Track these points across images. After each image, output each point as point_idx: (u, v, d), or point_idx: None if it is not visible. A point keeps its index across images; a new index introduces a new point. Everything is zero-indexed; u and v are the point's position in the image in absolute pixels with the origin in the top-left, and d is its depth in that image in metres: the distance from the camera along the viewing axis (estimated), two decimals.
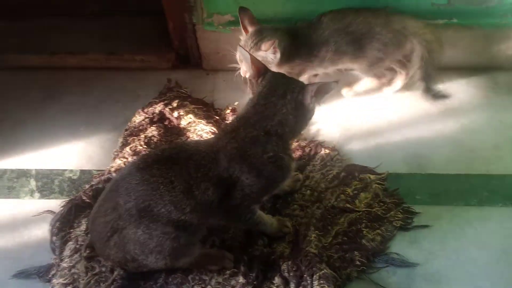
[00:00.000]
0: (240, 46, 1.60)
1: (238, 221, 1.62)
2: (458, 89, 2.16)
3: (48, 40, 2.30)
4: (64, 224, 1.81)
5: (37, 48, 2.27)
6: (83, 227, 1.79)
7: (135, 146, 1.96)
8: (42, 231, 1.82)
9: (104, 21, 2.31)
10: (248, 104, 1.56)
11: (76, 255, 1.73)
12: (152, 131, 2.01)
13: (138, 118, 2.06)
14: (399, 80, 2.11)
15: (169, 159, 1.53)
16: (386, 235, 1.75)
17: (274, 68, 1.89)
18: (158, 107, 2.07)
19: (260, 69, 1.57)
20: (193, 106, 2.10)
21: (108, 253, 1.57)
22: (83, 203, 1.84)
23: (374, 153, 1.97)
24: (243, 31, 1.91)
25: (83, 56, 2.25)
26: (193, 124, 2.03)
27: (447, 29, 2.05)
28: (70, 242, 1.76)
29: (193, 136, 2.00)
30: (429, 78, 2.04)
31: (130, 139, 1.99)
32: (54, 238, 1.79)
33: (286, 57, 1.92)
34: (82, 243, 1.75)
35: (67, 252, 1.75)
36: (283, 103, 1.54)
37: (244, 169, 1.51)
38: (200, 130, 2.01)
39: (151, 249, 1.51)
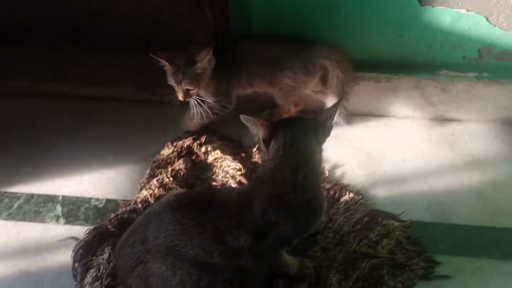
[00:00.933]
0: (242, 116, 1.62)
1: (265, 264, 1.62)
2: (486, 142, 2.17)
3: (81, 70, 2.34)
4: (87, 251, 1.83)
5: (71, 78, 2.32)
6: (105, 255, 1.81)
7: (162, 178, 1.98)
8: (64, 257, 1.84)
9: (139, 56, 2.36)
10: (275, 155, 1.57)
11: (97, 283, 1.75)
12: (180, 164, 2.03)
13: (167, 151, 2.09)
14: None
15: (203, 203, 1.59)
16: (407, 283, 1.74)
17: (206, 82, 1.97)
18: (187, 142, 2.10)
19: (269, 125, 1.60)
20: (220, 142, 2.13)
21: (130, 283, 1.58)
22: (108, 232, 1.86)
23: (398, 200, 1.97)
24: (168, 66, 1.95)
25: (116, 88, 2.29)
26: (220, 160, 2.06)
27: (477, 83, 2.07)
28: (92, 270, 1.78)
29: (219, 172, 2.03)
30: (345, 95, 2.07)
31: (158, 171, 2.02)
32: (76, 264, 1.81)
33: (213, 73, 1.98)
34: (104, 271, 1.77)
35: (88, 279, 1.76)
36: (310, 144, 1.57)
37: (282, 215, 1.53)
38: (226, 166, 2.04)
39: (173, 286, 1.53)
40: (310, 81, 2.08)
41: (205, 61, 1.92)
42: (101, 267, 1.79)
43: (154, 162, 2.08)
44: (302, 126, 1.60)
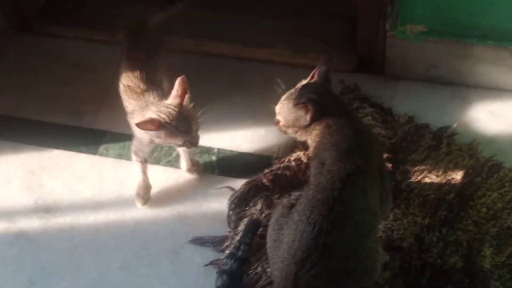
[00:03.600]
0: None
1: None
2: None
3: (239, 32, 2.43)
4: (241, 201, 1.94)
5: (229, 39, 2.42)
6: (258, 206, 1.91)
7: None
8: (219, 205, 1.97)
9: (294, 21, 2.43)
10: None
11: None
12: None
13: None
14: None
15: None
16: None
17: None
18: None
19: None
20: (371, 109, 2.14)
21: None
22: (262, 185, 1.96)
23: None
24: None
25: (271, 51, 2.36)
26: (370, 127, 2.07)
27: None
28: (246, 219, 1.89)
29: None
30: None
31: None
32: (231, 212, 1.93)
33: None
34: None
35: (241, 227, 1.87)
36: None
37: None
38: (376, 133, 2.04)
39: None
40: None
41: None
42: (254, 217, 1.89)
43: None
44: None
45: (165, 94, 1.85)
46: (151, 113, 1.75)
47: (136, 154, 1.96)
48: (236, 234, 1.86)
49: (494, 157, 1.98)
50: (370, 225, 1.57)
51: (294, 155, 2.01)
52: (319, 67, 1.73)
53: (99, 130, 2.23)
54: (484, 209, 1.84)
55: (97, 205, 2.02)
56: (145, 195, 2.00)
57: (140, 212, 1.98)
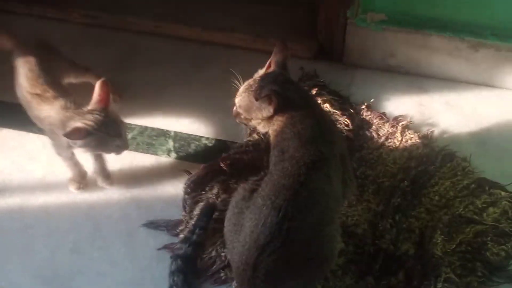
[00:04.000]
0: None
1: None
2: None
3: (200, 16, 2.41)
4: (197, 185, 1.92)
5: (190, 22, 2.39)
6: (215, 191, 1.90)
7: None
8: (174, 188, 1.95)
9: (255, 6, 2.41)
10: None
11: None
12: None
13: None
14: None
15: None
16: (511, 252, 1.74)
17: None
18: None
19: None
20: (330, 96, 2.14)
21: None
22: (219, 170, 1.93)
23: (508, 171, 1.94)
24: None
25: (231, 35, 2.35)
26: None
27: None
28: (201, 203, 1.87)
29: None
30: None
31: None
32: (186, 196, 1.90)
33: None
34: None
35: (197, 211, 1.85)
36: None
37: None
38: (334, 120, 2.07)
39: None
40: None
41: None
42: (210, 202, 1.87)
43: None
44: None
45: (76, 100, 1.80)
46: (75, 122, 1.68)
47: (60, 154, 1.91)
48: (191, 218, 1.84)
49: (448, 146, 2.01)
50: (333, 212, 1.58)
51: (252, 140, 2.00)
52: (275, 56, 1.71)
53: None
54: (436, 197, 1.87)
55: (49, 186, 1.97)
56: (82, 180, 1.95)
57: (93, 194, 1.94)
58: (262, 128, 1.71)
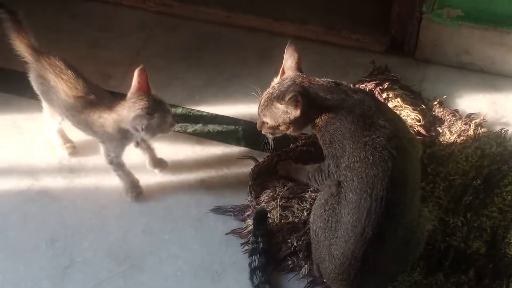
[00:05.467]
0: None
1: None
2: None
3: (271, 6, 2.42)
4: (264, 172, 1.95)
5: (261, 12, 2.41)
6: (281, 180, 1.92)
7: None
8: (243, 176, 1.98)
9: None
10: None
11: (272, 202, 1.87)
12: None
13: None
14: None
15: None
16: None
17: None
18: (369, 86, 2.13)
19: None
20: (402, 91, 2.13)
21: None
22: (286, 159, 1.96)
23: None
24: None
25: (303, 27, 2.35)
26: (400, 108, 2.07)
27: None
28: (268, 190, 1.90)
29: None
30: None
31: None
32: (252, 182, 1.93)
33: None
34: (279, 193, 1.88)
35: (264, 197, 1.89)
36: None
37: None
38: (405, 115, 2.05)
39: None
40: None
41: None
42: (277, 189, 1.90)
43: None
44: None
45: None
46: (130, 112, 1.72)
47: (112, 161, 1.90)
48: (257, 204, 1.87)
49: None
50: (419, 184, 1.60)
51: None
52: (286, 61, 1.74)
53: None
54: (509, 197, 1.84)
55: None
56: (136, 188, 1.96)
57: (165, 177, 1.99)
58: (293, 131, 1.75)
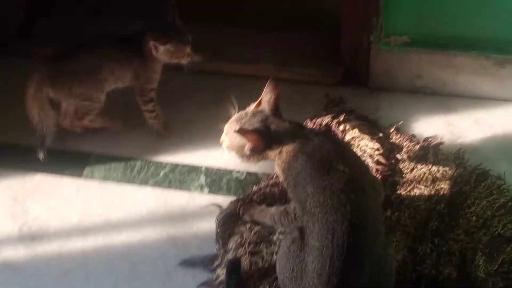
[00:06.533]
0: None
1: None
2: None
3: (223, 48, 2.44)
4: (230, 219, 1.92)
5: (215, 55, 2.39)
6: (248, 224, 1.88)
7: None
8: (210, 224, 1.94)
9: (278, 35, 2.43)
10: None
11: (241, 249, 1.84)
12: None
13: None
14: None
15: None
16: None
17: None
18: (326, 119, 2.13)
19: None
20: (358, 121, 2.14)
21: None
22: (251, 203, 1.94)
23: None
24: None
25: (256, 66, 2.37)
26: (358, 139, 2.07)
27: None
28: (235, 236, 1.87)
29: (357, 151, 2.04)
30: None
31: None
32: (220, 230, 1.90)
33: None
34: (247, 238, 1.85)
35: (231, 245, 1.86)
36: None
37: None
38: (364, 145, 2.05)
39: None
40: None
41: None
42: (244, 235, 1.87)
43: None
44: None
45: None
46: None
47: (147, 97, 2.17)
48: (226, 252, 1.84)
49: (481, 165, 1.99)
50: (380, 223, 1.60)
51: None
52: (266, 94, 1.73)
53: (83, 153, 2.20)
54: (474, 218, 1.84)
55: (85, 230, 1.97)
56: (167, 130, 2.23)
57: (130, 235, 1.94)
58: (244, 161, 1.74)
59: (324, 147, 1.60)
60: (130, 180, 2.10)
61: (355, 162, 1.64)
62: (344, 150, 1.65)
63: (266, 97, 1.73)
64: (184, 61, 2.10)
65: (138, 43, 2.08)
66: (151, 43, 2.02)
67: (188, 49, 2.07)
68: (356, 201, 1.51)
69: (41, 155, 2.07)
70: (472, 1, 1.94)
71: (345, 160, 1.59)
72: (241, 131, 1.65)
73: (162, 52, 2.05)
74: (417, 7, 2.00)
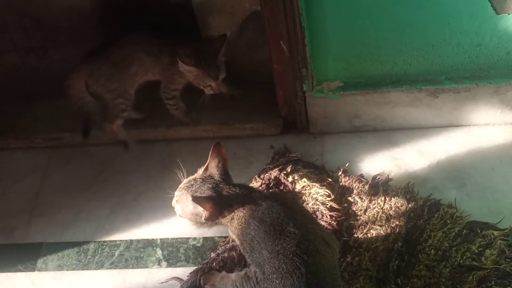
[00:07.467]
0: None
1: None
2: None
3: (161, 114, 2.39)
4: None
5: (154, 123, 2.39)
6: None
7: None
8: None
9: (215, 94, 2.42)
10: None
11: None
12: None
13: (255, 184, 2.13)
14: None
15: None
16: None
17: None
18: (274, 173, 2.13)
19: None
20: (306, 170, 2.15)
21: None
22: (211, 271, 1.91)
23: (494, 209, 1.96)
24: (195, 69, 2.08)
25: (196, 128, 2.35)
26: (308, 188, 2.08)
27: None
28: None
29: (309, 199, 2.05)
30: None
31: None
32: None
33: None
34: None
35: None
36: None
37: None
38: (315, 193, 2.06)
39: None
40: None
41: (223, 46, 2.08)
42: None
43: None
44: None
45: None
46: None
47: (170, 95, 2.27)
48: None
49: (431, 196, 2.03)
50: (338, 277, 1.59)
51: None
52: (213, 159, 1.73)
53: (34, 244, 2.13)
54: (433, 251, 1.87)
55: None
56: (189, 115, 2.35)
57: None
58: (197, 228, 1.74)
59: (273, 211, 1.61)
60: (86, 266, 2.04)
61: (306, 221, 1.63)
62: (293, 211, 1.64)
63: (214, 161, 1.73)
64: (206, 92, 2.16)
65: (171, 46, 2.13)
66: (178, 57, 2.05)
67: (213, 84, 2.10)
68: (310, 262, 1.51)
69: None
70: (391, 41, 1.97)
71: (296, 221, 1.59)
72: (196, 200, 1.63)
73: (185, 69, 2.08)
74: (342, 55, 2.03)
